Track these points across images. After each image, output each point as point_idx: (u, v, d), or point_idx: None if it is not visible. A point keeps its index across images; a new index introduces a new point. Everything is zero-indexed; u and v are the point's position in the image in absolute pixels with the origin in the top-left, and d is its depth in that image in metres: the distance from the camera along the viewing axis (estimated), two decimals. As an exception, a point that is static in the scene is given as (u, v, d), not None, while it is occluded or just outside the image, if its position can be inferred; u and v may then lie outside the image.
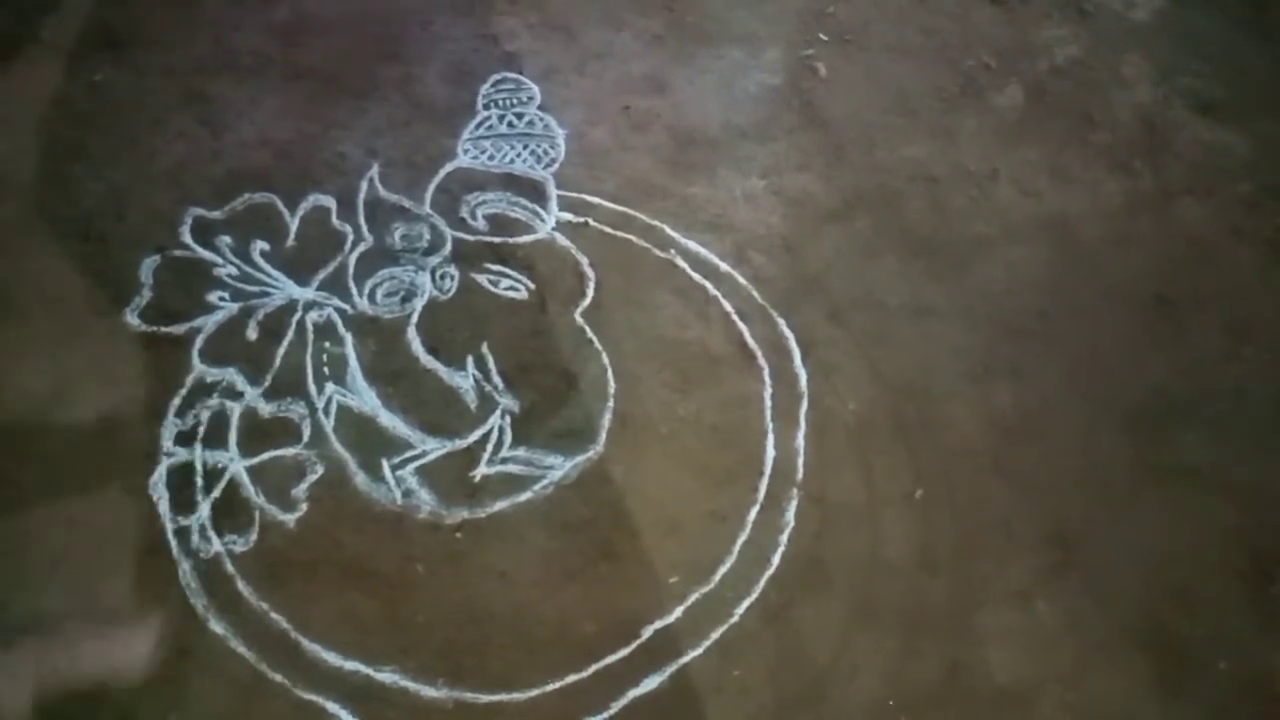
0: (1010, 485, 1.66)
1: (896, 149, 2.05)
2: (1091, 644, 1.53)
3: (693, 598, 1.53)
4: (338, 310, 1.75)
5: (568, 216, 1.90)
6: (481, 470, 1.62)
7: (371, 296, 1.77)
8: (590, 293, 1.81)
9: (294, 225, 1.84)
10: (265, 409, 1.65)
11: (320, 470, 1.60)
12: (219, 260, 1.79)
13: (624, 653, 1.48)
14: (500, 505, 1.59)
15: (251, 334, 1.71)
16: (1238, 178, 2.05)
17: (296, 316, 1.74)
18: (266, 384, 1.67)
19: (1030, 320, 1.85)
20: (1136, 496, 1.67)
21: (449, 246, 1.84)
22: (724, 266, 1.86)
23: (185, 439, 1.61)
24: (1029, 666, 1.51)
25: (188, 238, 1.82)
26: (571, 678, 1.46)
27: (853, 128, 2.07)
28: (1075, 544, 1.61)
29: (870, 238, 1.93)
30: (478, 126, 2.00)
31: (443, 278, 1.80)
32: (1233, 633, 1.55)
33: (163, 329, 1.72)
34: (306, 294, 1.76)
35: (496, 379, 1.70)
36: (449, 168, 1.94)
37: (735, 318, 1.80)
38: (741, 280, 1.85)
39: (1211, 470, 1.70)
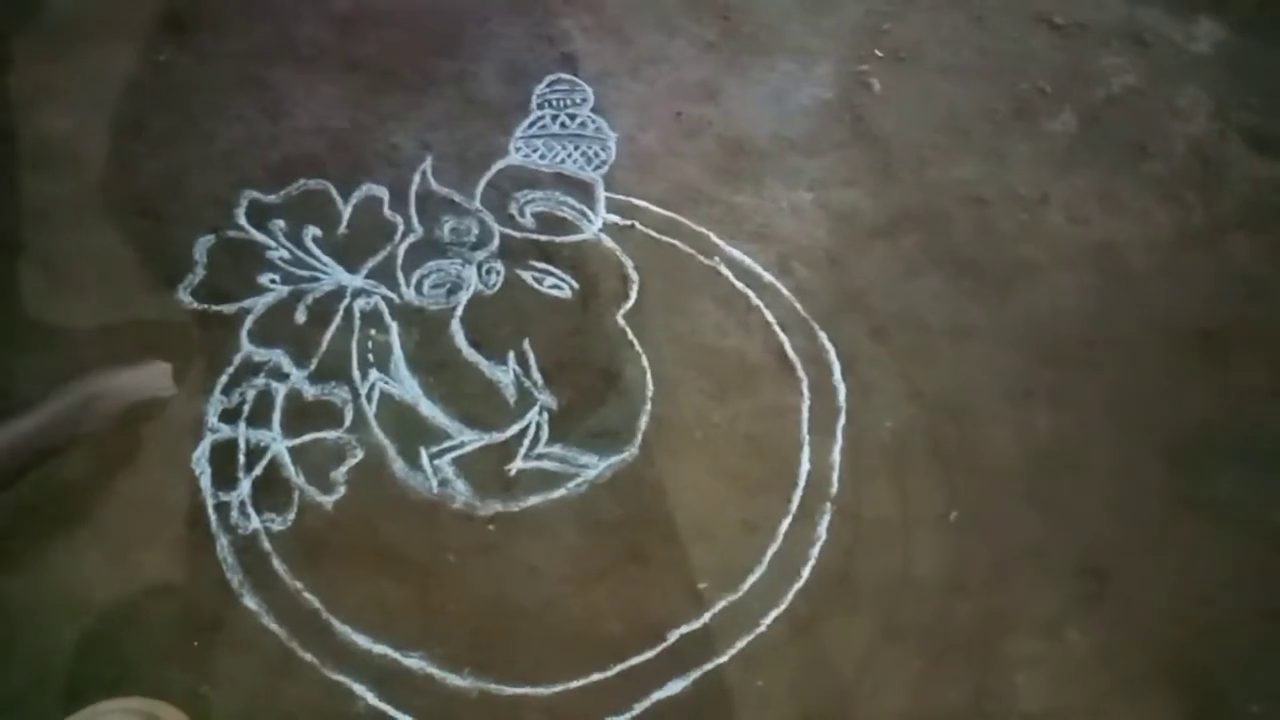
0: (1046, 512, 1.64)
1: (946, 169, 2.05)
2: (1122, 677, 1.51)
3: (720, 605, 1.53)
4: (385, 299, 1.77)
5: (614, 219, 1.91)
6: (517, 465, 1.63)
7: (418, 287, 1.79)
8: (633, 295, 1.82)
9: (346, 213, 1.87)
10: (309, 391, 1.67)
11: (360, 455, 1.62)
12: (271, 244, 1.83)
13: (649, 655, 1.48)
14: (534, 500, 1.60)
15: (300, 317, 1.74)
16: (1292, 216, 2.03)
17: (344, 303, 1.76)
18: (312, 367, 1.69)
19: (1073, 347, 1.83)
20: (1174, 531, 1.65)
21: (496, 242, 1.86)
22: (767, 277, 1.87)
23: (230, 416, 1.64)
24: (1056, 696, 1.49)
25: (242, 220, 1.85)
26: (596, 676, 1.46)
27: (903, 145, 2.07)
28: (1109, 575, 1.59)
29: (916, 256, 1.92)
30: (530, 125, 2.02)
31: (489, 273, 1.82)
32: (1267, 675, 1.52)
33: (213, 308, 1.75)
34: (355, 281, 1.79)
35: (536, 375, 1.71)
36: (500, 164, 1.96)
37: (776, 328, 1.81)
38: (784, 291, 1.85)
39: (1251, 508, 1.67)
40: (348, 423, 1.65)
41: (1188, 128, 2.15)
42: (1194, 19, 2.33)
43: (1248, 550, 1.63)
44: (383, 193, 1.90)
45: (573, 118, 2.04)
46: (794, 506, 1.62)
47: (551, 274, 1.82)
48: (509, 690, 1.44)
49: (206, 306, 1.75)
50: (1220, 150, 2.12)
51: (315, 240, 1.83)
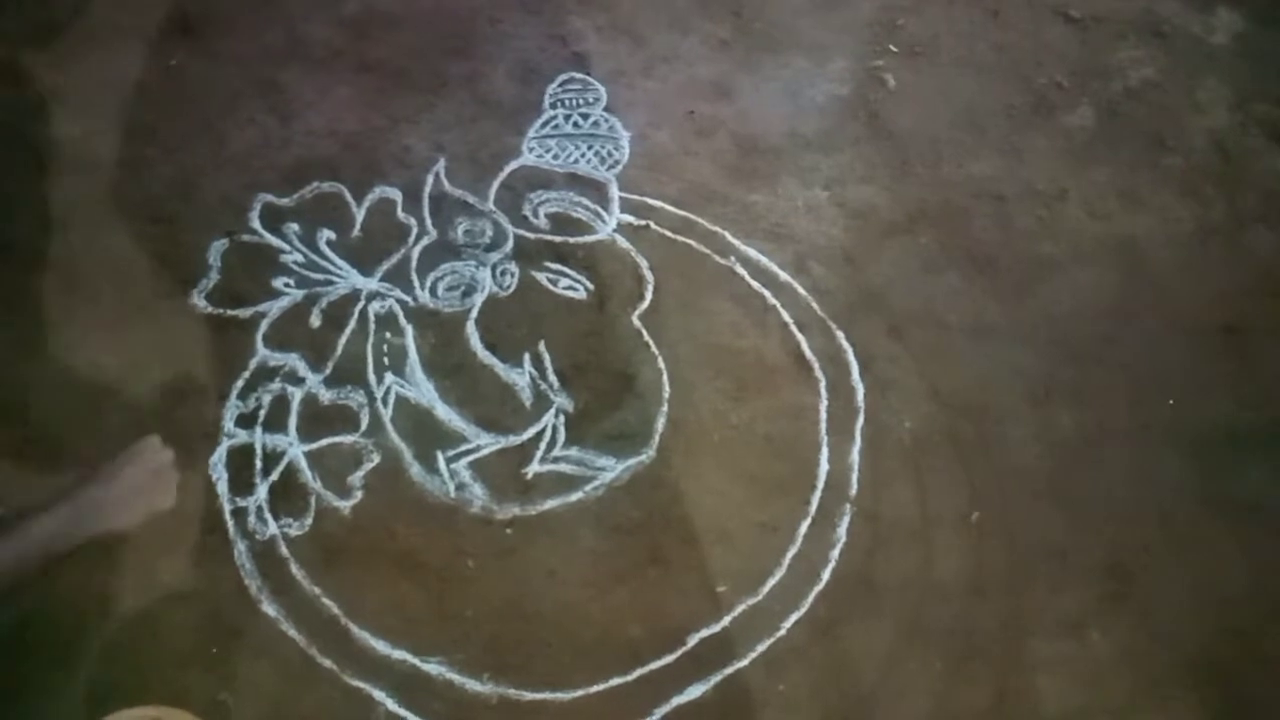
0: (1068, 512, 1.63)
1: (963, 165, 2.03)
2: (1145, 679, 1.50)
3: (740, 608, 1.52)
4: (399, 302, 1.77)
5: (629, 219, 1.90)
6: (534, 468, 1.62)
7: (433, 290, 1.78)
8: (648, 296, 1.81)
9: (360, 216, 1.87)
10: (325, 396, 1.67)
11: (376, 459, 1.61)
12: (286, 247, 1.82)
13: (669, 659, 1.47)
14: (551, 504, 1.59)
15: (315, 321, 1.74)
16: (1314, 209, 2.00)
17: (359, 306, 1.76)
18: (327, 371, 1.69)
19: (1094, 344, 1.81)
20: (1197, 530, 1.63)
21: (510, 243, 1.85)
22: (783, 276, 1.85)
23: (246, 421, 1.64)
24: (1079, 697, 1.48)
25: (256, 223, 1.84)
26: (616, 680, 1.45)
27: (919, 142, 2.05)
28: (1133, 575, 1.58)
29: (933, 253, 1.90)
30: (543, 125, 2.01)
31: (503, 274, 1.81)
32: (1294, 676, 1.51)
33: (228, 312, 1.74)
34: (370, 284, 1.78)
35: (552, 377, 1.70)
36: (513, 165, 1.95)
37: (793, 328, 1.79)
38: (801, 290, 1.84)
39: (1276, 507, 1.65)
40: (364, 427, 1.64)
41: (1207, 121, 2.13)
42: (1212, 10, 2.30)
43: (1272, 549, 1.61)
44: (396, 195, 1.90)
45: (585, 117, 2.02)
46: (813, 508, 1.61)
47: (566, 275, 1.81)
48: (528, 696, 1.44)
49: (221, 311, 1.75)
50: (1240, 143, 2.09)
51: (329, 243, 1.83)
